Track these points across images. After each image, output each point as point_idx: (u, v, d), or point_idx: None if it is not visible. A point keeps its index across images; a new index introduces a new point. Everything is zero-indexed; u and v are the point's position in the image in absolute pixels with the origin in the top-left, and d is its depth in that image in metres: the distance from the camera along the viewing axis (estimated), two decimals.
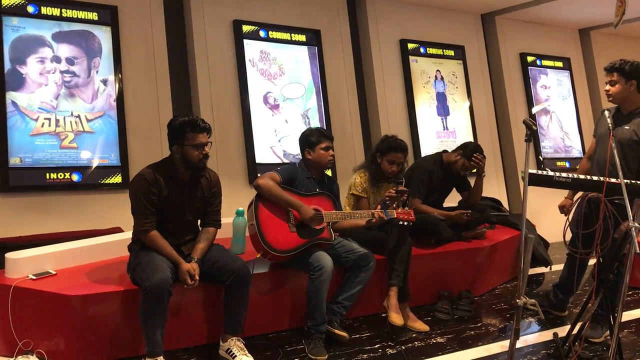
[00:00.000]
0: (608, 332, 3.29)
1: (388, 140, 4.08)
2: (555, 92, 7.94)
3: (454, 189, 4.85)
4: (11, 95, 4.46)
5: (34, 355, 3.01)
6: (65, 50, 4.73)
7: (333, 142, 3.80)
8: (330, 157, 3.71)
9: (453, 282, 4.33)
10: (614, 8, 4.70)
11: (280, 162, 5.52)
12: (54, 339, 3.09)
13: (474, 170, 4.61)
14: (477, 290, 4.47)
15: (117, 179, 4.77)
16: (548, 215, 6.43)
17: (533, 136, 7.35)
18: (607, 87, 3.51)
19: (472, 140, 6.61)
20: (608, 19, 7.57)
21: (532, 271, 5.36)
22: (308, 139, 3.72)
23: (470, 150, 4.53)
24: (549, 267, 5.32)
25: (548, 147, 7.63)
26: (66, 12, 4.76)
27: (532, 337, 3.60)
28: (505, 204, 6.85)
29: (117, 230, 4.45)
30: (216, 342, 3.24)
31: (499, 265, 4.84)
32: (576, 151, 7.89)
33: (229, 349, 3.12)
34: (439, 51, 7.01)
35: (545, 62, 7.97)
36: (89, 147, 4.72)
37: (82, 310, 3.07)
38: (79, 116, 4.70)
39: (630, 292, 4.49)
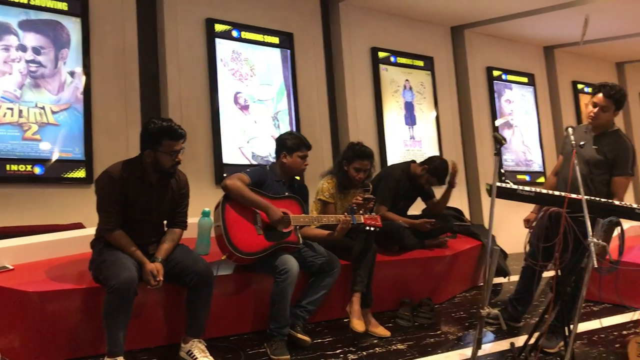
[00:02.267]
0: (562, 343, 3.39)
1: (354, 147, 4.11)
2: (518, 107, 8.15)
3: (419, 198, 4.94)
4: None
5: None
6: (31, 39, 4.62)
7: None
8: (304, 167, 3.75)
9: (414, 289, 4.40)
10: (581, 27, 4.85)
11: (249, 163, 5.50)
12: (9, 335, 3.01)
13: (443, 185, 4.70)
14: (437, 298, 4.54)
15: (81, 173, 4.68)
16: (507, 227, 6.56)
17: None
18: (597, 111, 3.45)
19: (438, 154, 6.72)
20: (572, 37, 7.83)
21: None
22: (287, 143, 3.72)
23: (435, 167, 4.59)
24: (507, 277, 5.44)
25: (510, 160, 7.81)
26: (34, 0, 4.65)
27: (489, 346, 3.67)
28: (467, 214, 6.98)
29: (79, 226, 4.36)
30: (177, 343, 3.20)
31: (459, 274, 4.93)
32: (537, 165, 8.11)
33: (190, 350, 3.09)
34: (409, 61, 7.11)
35: (511, 77, 8.17)
36: (52, 140, 4.62)
37: (40, 307, 2.99)
38: (43, 107, 4.60)
39: (583, 305, 4.63)
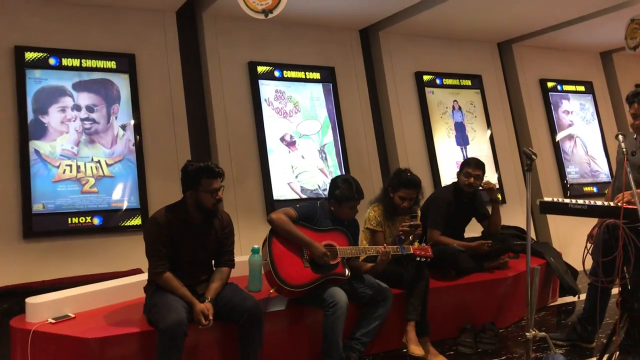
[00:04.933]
0: None
1: (400, 175, 4.04)
2: (578, 117, 7.83)
3: (474, 219, 4.80)
4: (34, 144, 4.60)
5: None
6: (85, 98, 4.88)
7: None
8: (352, 215, 3.72)
9: (476, 314, 4.24)
10: (624, 30, 4.59)
11: (298, 198, 5.54)
12: None
13: (481, 188, 4.58)
14: (501, 322, 4.36)
15: (137, 220, 4.85)
16: (576, 243, 6.25)
17: (557, 161, 7.31)
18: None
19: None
20: None
21: (561, 300, 5.22)
22: (336, 193, 3.67)
23: (465, 165, 4.57)
24: (577, 296, 5.15)
25: (574, 173, 7.48)
26: (86, 62, 4.92)
27: None
28: (532, 233, 6.70)
29: (138, 271, 4.49)
30: None
31: (524, 295, 4.69)
32: (604, 175, 7.72)
33: None
34: (456, 81, 7.00)
35: (567, 87, 7.88)
36: (109, 191, 4.82)
37: (100, 352, 3.08)
38: (99, 161, 4.82)
39: None
